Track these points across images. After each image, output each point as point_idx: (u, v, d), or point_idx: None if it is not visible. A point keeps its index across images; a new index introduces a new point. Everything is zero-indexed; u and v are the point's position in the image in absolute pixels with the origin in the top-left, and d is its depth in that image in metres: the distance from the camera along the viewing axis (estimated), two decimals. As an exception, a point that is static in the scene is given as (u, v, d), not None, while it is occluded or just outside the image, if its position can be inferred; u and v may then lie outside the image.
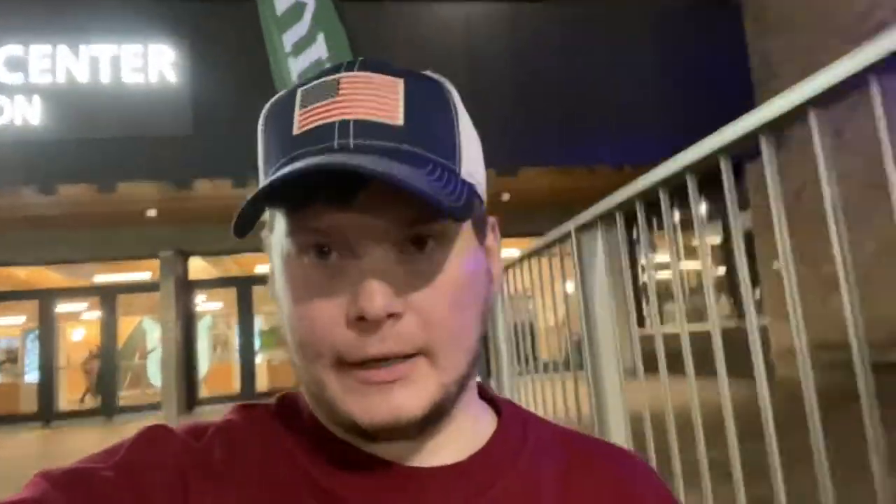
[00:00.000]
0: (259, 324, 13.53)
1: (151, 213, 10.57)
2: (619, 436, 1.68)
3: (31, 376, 13.04)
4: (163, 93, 8.05)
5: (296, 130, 0.46)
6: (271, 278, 0.52)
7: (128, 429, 7.52)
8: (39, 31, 7.76)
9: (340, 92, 0.46)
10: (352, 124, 0.44)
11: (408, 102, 0.46)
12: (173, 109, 7.95)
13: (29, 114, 7.65)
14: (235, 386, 13.02)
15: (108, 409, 12.15)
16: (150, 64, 7.99)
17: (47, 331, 12.26)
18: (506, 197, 11.28)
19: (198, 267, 12.80)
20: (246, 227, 0.43)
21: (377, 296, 0.43)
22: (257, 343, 13.29)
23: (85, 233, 11.08)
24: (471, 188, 0.48)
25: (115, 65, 7.91)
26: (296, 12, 3.46)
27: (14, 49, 7.74)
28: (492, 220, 0.55)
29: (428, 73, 0.51)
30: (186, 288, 12.29)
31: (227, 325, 15.47)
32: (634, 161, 9.55)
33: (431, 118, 0.47)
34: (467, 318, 0.48)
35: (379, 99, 0.46)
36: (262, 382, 13.06)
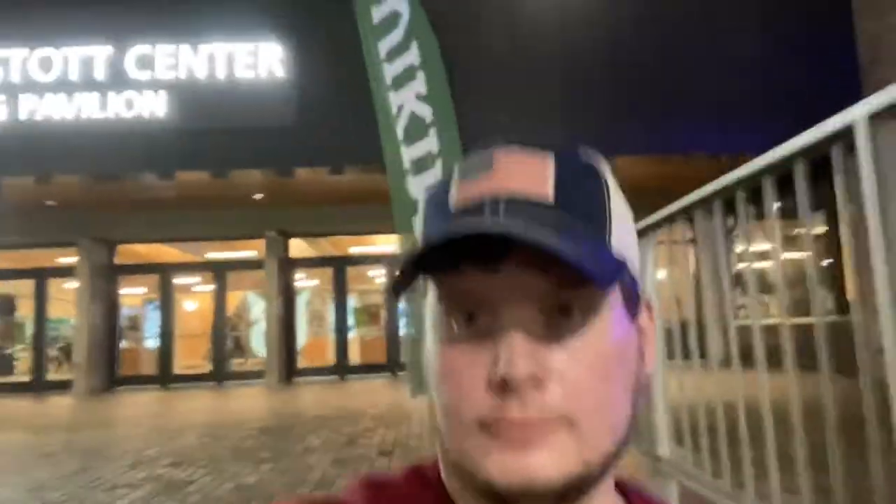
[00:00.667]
0: (352, 302, 14.27)
1: (258, 196, 11.41)
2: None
3: (151, 342, 14.45)
4: (271, 87, 8.73)
5: (451, 203, 0.48)
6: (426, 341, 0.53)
7: (234, 393, 8.38)
8: (164, 32, 8.60)
9: (494, 166, 0.48)
10: (502, 199, 0.46)
11: (558, 177, 0.48)
12: (280, 102, 8.60)
13: (155, 106, 8.53)
14: (330, 359, 13.85)
15: (218, 374, 13.28)
16: (261, 60, 8.68)
17: (166, 301, 13.53)
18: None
19: (297, 247, 13.66)
20: (401, 290, 0.46)
21: (520, 360, 0.43)
22: (350, 320, 14.02)
23: (198, 214, 12.10)
24: (620, 261, 0.48)
25: (230, 61, 8.65)
26: (391, 22, 3.78)
27: (142, 48, 8.64)
28: (646, 299, 0.54)
29: (580, 148, 0.52)
30: (288, 266, 13.16)
31: (322, 302, 16.42)
32: (733, 150, 9.31)
33: (582, 192, 0.48)
34: (614, 393, 0.47)
35: (530, 173, 0.47)
36: (354, 357, 13.80)
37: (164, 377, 13.18)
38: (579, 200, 0.48)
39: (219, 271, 13.62)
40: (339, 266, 13.67)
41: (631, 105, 9.27)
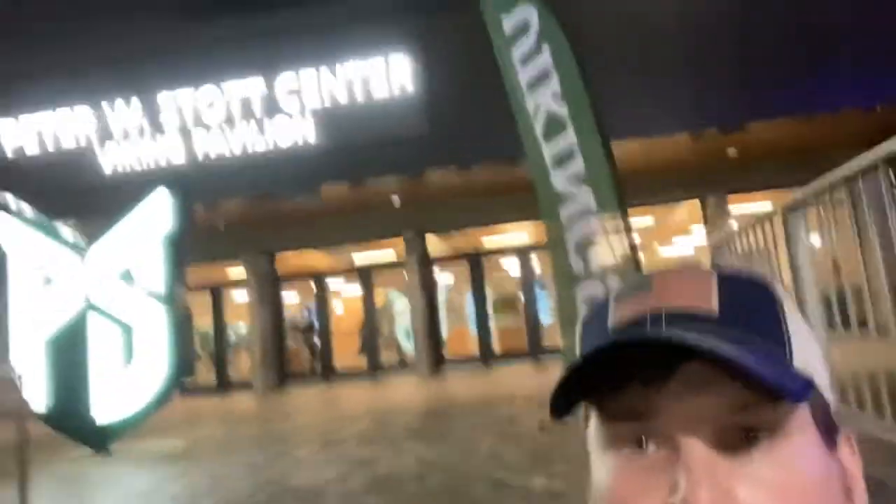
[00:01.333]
0: (490, 292, 14.75)
1: (395, 199, 12.18)
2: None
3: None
4: (402, 99, 9.36)
5: (611, 323, 0.46)
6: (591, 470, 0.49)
7: (389, 385, 9.11)
8: (307, 60, 9.52)
9: (653, 285, 0.46)
10: (664, 314, 0.44)
11: (723, 292, 0.45)
12: (411, 111, 9.21)
13: (305, 130, 9.46)
14: (473, 349, 14.42)
15: (373, 368, 14.31)
16: (392, 75, 9.34)
17: (322, 304, 14.78)
18: (732, 152, 10.87)
19: (433, 243, 14.34)
20: (562, 412, 0.45)
21: (702, 489, 0.39)
22: (490, 309, 14.50)
23: (342, 220, 13.08)
24: (807, 379, 0.42)
25: (365, 80, 9.40)
26: (521, 30, 4.09)
27: (289, 78, 9.60)
28: (846, 431, 0.47)
29: (747, 270, 0.49)
30: (426, 262, 13.87)
31: (460, 294, 17.08)
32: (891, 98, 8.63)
33: (751, 307, 0.45)
34: None
35: (692, 289, 0.45)
36: (496, 345, 14.27)
37: (327, 372, 14.42)
38: (750, 315, 0.44)
39: (364, 272, 14.64)
40: (476, 259, 14.18)
41: (765, 67, 8.85)
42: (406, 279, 13.76)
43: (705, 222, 12.57)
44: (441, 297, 15.06)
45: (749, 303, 0.45)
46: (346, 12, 9.36)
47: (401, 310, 17.74)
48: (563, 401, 0.45)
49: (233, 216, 11.95)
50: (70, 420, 6.53)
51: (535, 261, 14.42)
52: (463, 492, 3.84)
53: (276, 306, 14.43)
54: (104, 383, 6.48)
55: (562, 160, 3.87)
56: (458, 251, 15.08)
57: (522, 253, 14.42)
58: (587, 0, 8.95)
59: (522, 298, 14.48)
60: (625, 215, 3.79)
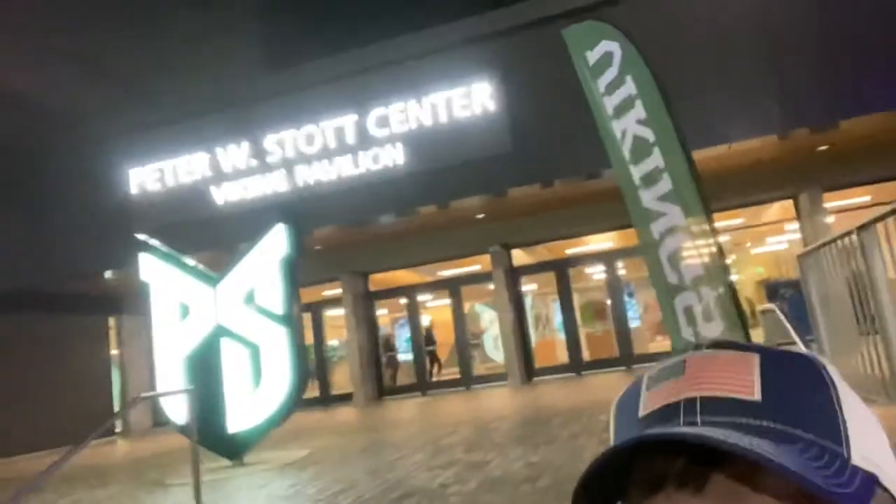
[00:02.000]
0: (577, 301, 14.91)
1: (480, 216, 12.63)
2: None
3: (404, 356, 16.53)
4: (484, 121, 9.84)
5: (641, 412, 0.43)
6: None
7: (483, 395, 9.51)
8: (395, 92, 10.19)
9: (686, 371, 0.43)
10: (698, 402, 0.40)
11: (765, 376, 0.40)
12: (493, 133, 9.66)
13: (395, 157, 10.11)
14: (562, 357, 14.61)
15: (466, 380, 14.76)
16: (474, 100, 9.86)
17: (413, 319, 15.43)
18: (824, 149, 10.64)
19: (517, 256, 14.68)
20: None
21: None
22: (578, 318, 14.66)
23: (430, 238, 13.66)
24: (868, 477, 0.37)
25: (449, 106, 9.96)
26: (605, 61, 4.43)
27: (379, 110, 10.31)
28: None
29: (793, 349, 0.46)
30: (513, 274, 14.23)
31: (545, 304, 17.30)
32: None
33: (799, 393, 0.40)
34: None
35: (729, 374, 0.41)
36: (585, 353, 14.40)
37: (422, 385, 15.01)
38: (798, 403, 0.40)
39: (453, 287, 15.17)
40: (561, 268, 14.41)
41: (856, 61, 8.68)
42: (493, 292, 14.16)
43: (799, 220, 12.28)
44: (529, 308, 15.36)
45: (797, 388, 0.41)
46: (429, 46, 9.98)
47: (487, 322, 18.22)
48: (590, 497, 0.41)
49: (329, 240, 12.78)
50: (208, 431, 7.31)
51: (621, 267, 14.47)
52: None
53: (370, 323, 15.19)
54: (236, 398, 7.24)
55: (650, 181, 4.17)
56: (544, 260, 15.35)
57: (608, 260, 14.51)
58: (667, 9, 9.13)
59: (610, 305, 14.55)
60: (712, 228, 4.04)
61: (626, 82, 4.29)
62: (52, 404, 13.39)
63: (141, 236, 7.87)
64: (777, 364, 0.42)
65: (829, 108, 8.99)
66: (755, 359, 0.43)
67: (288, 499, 5.34)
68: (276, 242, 7.32)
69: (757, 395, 0.40)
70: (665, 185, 4.11)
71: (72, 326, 14.63)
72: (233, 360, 7.30)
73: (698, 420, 0.40)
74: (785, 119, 9.19)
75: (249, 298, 7.34)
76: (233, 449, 7.27)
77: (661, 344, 15.08)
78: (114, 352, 16.47)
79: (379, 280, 16.02)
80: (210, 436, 7.22)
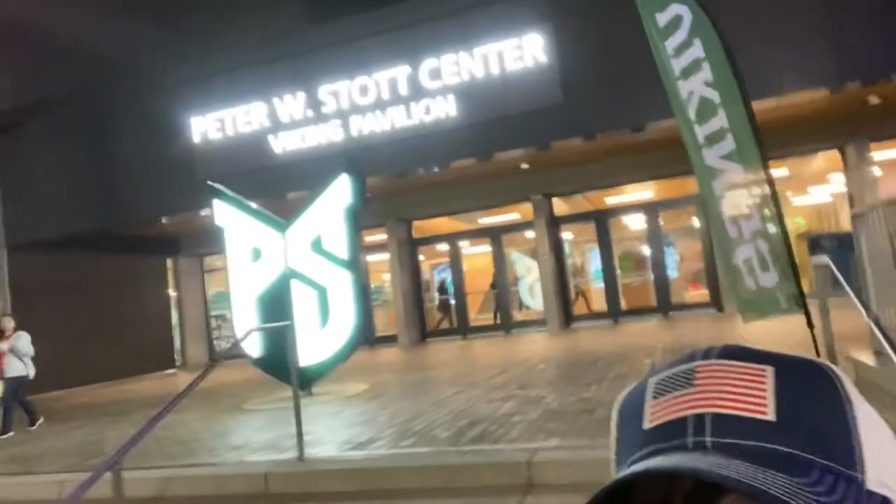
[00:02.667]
0: (615, 250, 15.19)
1: (524, 166, 12.87)
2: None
3: (434, 303, 17.12)
4: (536, 73, 9.99)
5: (646, 424, 0.42)
6: None
7: (523, 339, 10.06)
8: (447, 44, 10.38)
9: (696, 382, 0.41)
10: (708, 419, 0.39)
11: (780, 393, 0.39)
12: (546, 85, 9.83)
13: (447, 108, 10.38)
14: (601, 305, 15.03)
15: (506, 325, 15.32)
16: (525, 52, 9.99)
17: (455, 265, 15.92)
18: (874, 100, 10.56)
19: (557, 204, 14.93)
20: None
21: None
22: (616, 267, 14.98)
23: (474, 187, 13.94)
24: (882, 501, 0.37)
25: (500, 58, 10.12)
26: (674, 24, 4.62)
27: (431, 62, 10.52)
28: None
29: (806, 356, 0.43)
30: (553, 223, 14.53)
31: (582, 253, 17.62)
32: None
33: (814, 412, 0.39)
34: None
35: (742, 389, 0.40)
36: (623, 301, 14.78)
37: (463, 328, 15.62)
38: (812, 420, 0.39)
39: (494, 235, 15.56)
40: (601, 218, 14.65)
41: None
42: (534, 240, 14.52)
43: (845, 171, 12.27)
44: (567, 256, 15.71)
45: (812, 406, 0.40)
46: (481, -2, 10.08)
47: (523, 270, 18.65)
48: None
49: (374, 188, 13.18)
50: (279, 364, 7.97)
51: (659, 217, 14.64)
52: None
53: (413, 269, 15.73)
54: (305, 335, 7.85)
55: (713, 140, 4.44)
56: (584, 211, 15.58)
57: (647, 210, 14.67)
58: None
59: (648, 255, 14.81)
60: (770, 183, 4.32)
61: (694, 44, 4.50)
62: (119, 338, 14.36)
63: (214, 184, 8.38)
64: (792, 377, 0.41)
65: (884, 62, 8.94)
66: (769, 372, 0.41)
67: (364, 423, 5.95)
68: (341, 192, 7.77)
69: (771, 415, 0.39)
70: (728, 144, 4.38)
71: (136, 267, 15.51)
72: (302, 301, 7.88)
73: (707, 441, 0.39)
74: (839, 72, 9.17)
75: (317, 244, 7.86)
76: (303, 381, 7.93)
77: (698, 294, 15.37)
78: (171, 292, 17.40)
79: (420, 227, 16.47)
80: (282, 368, 7.88)
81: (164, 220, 13.35)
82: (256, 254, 8.15)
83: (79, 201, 13.05)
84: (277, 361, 7.69)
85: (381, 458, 4.47)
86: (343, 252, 7.78)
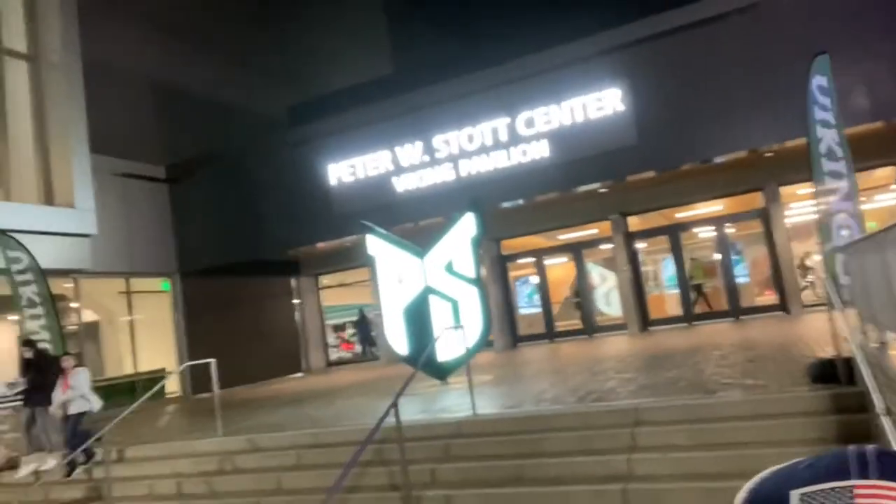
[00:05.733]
0: (688, 260, 16.88)
1: (603, 190, 14.87)
2: None
3: (528, 310, 19.16)
4: (614, 120, 12.10)
5: None
6: None
7: (607, 341, 12.29)
8: (540, 98, 12.63)
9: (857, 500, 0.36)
10: None
11: None
12: (622, 129, 11.92)
13: (540, 151, 12.61)
14: (675, 310, 16.75)
15: (589, 329, 17.27)
16: (605, 103, 12.13)
17: (541, 275, 18.02)
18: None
19: (632, 221, 16.78)
20: None
21: None
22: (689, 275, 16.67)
23: (560, 208, 15.96)
24: None
25: (584, 109, 12.29)
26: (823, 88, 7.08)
27: (527, 113, 12.81)
28: None
29: None
30: (630, 238, 16.42)
31: (655, 263, 19.32)
32: None
33: None
34: None
35: None
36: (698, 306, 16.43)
37: (550, 334, 17.66)
38: None
39: (576, 249, 17.57)
40: (673, 232, 16.42)
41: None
42: (613, 253, 16.43)
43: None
44: (644, 266, 17.51)
45: None
46: (567, 58, 12.29)
47: (598, 280, 20.49)
48: None
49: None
50: (421, 360, 10.32)
51: (728, 228, 16.23)
52: (703, 388, 6.68)
53: (504, 281, 17.93)
54: (442, 337, 10.17)
55: (832, 175, 6.90)
56: (657, 226, 17.34)
57: (715, 223, 16.31)
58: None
59: (718, 263, 16.42)
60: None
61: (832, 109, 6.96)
62: (259, 347, 17.22)
63: (367, 223, 10.87)
64: None
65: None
66: None
67: (504, 397, 8.18)
68: (468, 225, 10.08)
69: None
70: (842, 184, 6.78)
71: (270, 287, 18.45)
72: (439, 311, 10.22)
73: None
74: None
75: (449, 266, 10.18)
76: (441, 372, 10.25)
77: (766, 298, 16.83)
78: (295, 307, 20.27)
79: (508, 245, 18.64)
80: (425, 363, 10.22)
81: (302, 249, 16.15)
82: (400, 279, 10.55)
83: (232, 236, 16.01)
84: (421, 358, 10.03)
85: (531, 412, 6.68)
86: (470, 272, 10.08)
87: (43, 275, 10.59)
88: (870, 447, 0.43)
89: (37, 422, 8.92)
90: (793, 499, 0.43)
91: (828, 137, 7.03)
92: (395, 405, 5.78)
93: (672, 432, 5.61)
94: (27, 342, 9.70)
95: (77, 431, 8.41)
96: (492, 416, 6.83)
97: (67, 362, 8.89)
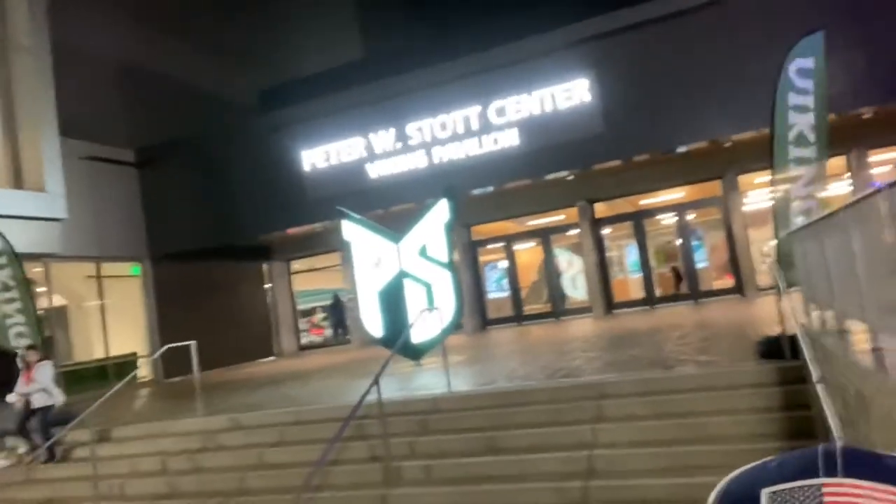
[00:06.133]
0: (650, 245, 17.54)
1: (570, 177, 15.34)
2: None
3: (497, 294, 19.63)
4: (582, 109, 12.54)
5: None
6: None
7: (573, 323, 12.81)
8: (512, 88, 12.98)
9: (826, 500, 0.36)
10: None
11: None
12: (590, 119, 12.37)
13: (509, 139, 12.99)
14: (637, 293, 17.41)
15: (556, 311, 17.83)
16: (574, 93, 12.55)
17: (510, 261, 18.49)
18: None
19: (598, 208, 17.33)
20: None
21: None
22: (651, 260, 17.34)
23: (526, 195, 16.43)
24: None
25: (553, 99, 12.69)
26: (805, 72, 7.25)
27: (498, 103, 13.15)
28: None
29: None
30: (596, 224, 16.96)
31: (619, 248, 19.98)
32: None
33: None
34: None
35: None
36: (658, 289, 17.13)
37: (518, 317, 18.18)
38: None
39: (544, 235, 18.07)
40: (637, 218, 17.03)
41: None
42: (579, 238, 16.97)
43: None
44: (609, 251, 18.12)
45: None
46: (537, 49, 12.65)
47: (565, 264, 21.09)
48: None
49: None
50: (395, 342, 10.67)
51: (689, 215, 16.92)
52: (662, 364, 7.19)
53: (475, 266, 18.35)
54: (416, 320, 10.52)
55: (800, 162, 7.13)
56: (621, 211, 17.92)
57: (678, 209, 16.96)
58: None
59: (679, 249, 17.11)
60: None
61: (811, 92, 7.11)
62: (231, 331, 17.33)
63: (343, 209, 11.11)
64: None
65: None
66: None
67: (477, 375, 8.59)
68: (442, 211, 10.41)
69: None
70: (811, 168, 7.04)
71: (241, 272, 18.53)
72: (413, 294, 10.56)
73: None
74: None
75: (423, 251, 10.52)
76: (415, 354, 10.62)
77: (724, 282, 17.59)
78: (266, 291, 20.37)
79: (478, 230, 19.03)
80: (396, 344, 10.57)
81: (274, 234, 16.27)
82: (377, 262, 10.85)
83: (203, 221, 16.03)
84: (395, 340, 10.37)
85: (504, 387, 7.11)
86: (444, 256, 10.44)
87: (18, 258, 10.57)
88: (839, 445, 0.44)
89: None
90: (763, 497, 0.43)
91: (801, 123, 7.09)
92: (376, 382, 6.11)
93: (633, 404, 6.08)
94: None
95: (48, 424, 8.35)
96: (467, 392, 7.23)
97: (32, 356, 8.79)
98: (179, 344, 9.65)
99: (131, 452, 7.88)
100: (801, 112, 7.14)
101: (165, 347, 10.30)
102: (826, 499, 0.40)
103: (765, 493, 0.43)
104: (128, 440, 8.23)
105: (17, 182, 12.72)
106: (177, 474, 7.19)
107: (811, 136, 7.08)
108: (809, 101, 7.13)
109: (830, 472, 0.42)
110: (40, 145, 12.65)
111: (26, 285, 10.77)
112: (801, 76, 7.19)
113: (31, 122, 12.66)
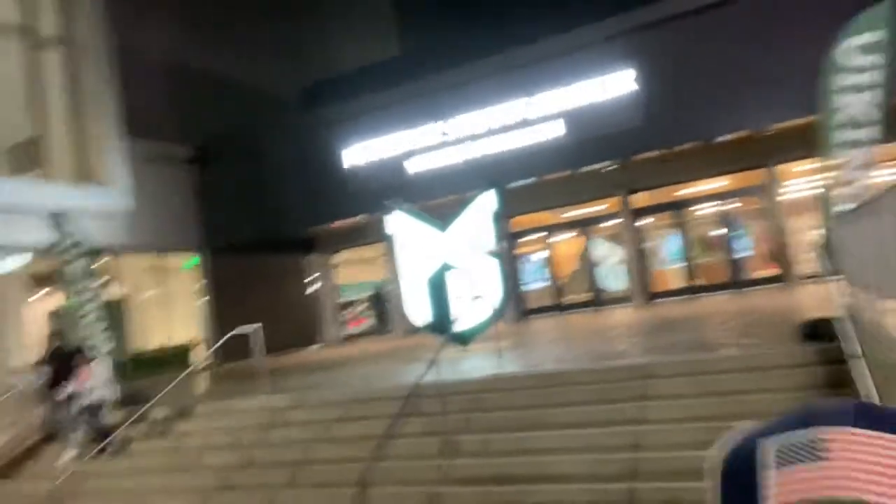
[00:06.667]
0: (692, 235, 17.55)
1: (610, 168, 15.52)
2: None
3: (536, 284, 19.87)
4: (624, 101, 12.75)
5: (769, 497, 0.37)
6: None
7: (613, 313, 13.11)
8: (554, 82, 13.26)
9: (832, 455, 0.37)
10: None
11: None
12: (631, 110, 12.59)
13: (551, 131, 13.28)
14: (677, 283, 17.46)
15: (596, 301, 18.01)
16: (615, 85, 12.78)
17: (550, 251, 18.73)
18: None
19: (640, 197, 17.43)
20: None
21: None
22: (692, 250, 17.37)
23: (569, 185, 16.61)
24: None
25: (596, 90, 12.96)
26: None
27: (543, 96, 13.44)
28: None
29: None
30: (635, 214, 17.08)
31: (659, 237, 20.00)
32: None
33: None
34: None
35: (887, 473, 0.35)
36: (699, 279, 17.16)
37: (558, 306, 18.43)
38: None
39: (584, 226, 18.26)
40: (677, 208, 17.08)
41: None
42: (620, 229, 17.12)
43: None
44: (649, 241, 18.19)
45: None
46: (579, 43, 12.91)
47: (603, 255, 21.20)
48: None
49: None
50: (443, 329, 11.10)
51: (732, 204, 16.86)
52: (705, 347, 7.45)
53: (514, 256, 18.65)
54: (463, 307, 10.93)
55: (843, 145, 6.63)
56: (661, 201, 17.96)
57: (719, 199, 16.93)
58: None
59: (721, 238, 17.09)
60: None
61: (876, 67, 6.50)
62: (281, 320, 18.00)
63: (391, 202, 11.57)
64: None
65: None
66: None
67: (525, 358, 8.97)
68: (488, 201, 10.78)
69: None
70: (859, 148, 6.60)
71: (287, 263, 19.25)
72: (459, 282, 10.96)
73: None
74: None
75: (470, 239, 10.91)
76: (463, 340, 11.03)
77: (768, 270, 17.53)
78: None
79: (517, 221, 19.29)
80: (444, 330, 10.99)
81: (320, 227, 16.90)
82: (424, 251, 11.28)
83: (255, 214, 16.73)
84: (441, 326, 10.81)
85: (552, 369, 7.47)
86: (491, 245, 10.81)
87: (90, 252, 11.34)
88: (842, 398, 0.55)
89: (60, 410, 9.15)
90: (764, 450, 0.42)
91: (855, 103, 6.50)
92: (434, 363, 6.54)
93: (678, 384, 6.39)
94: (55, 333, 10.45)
95: (100, 419, 8.80)
96: (516, 373, 7.62)
97: (82, 359, 9.18)
98: (245, 328, 10.25)
99: (215, 426, 8.53)
100: (855, 92, 6.59)
101: (231, 333, 10.93)
102: (831, 448, 0.40)
103: (763, 443, 0.43)
104: (210, 415, 8.90)
105: (84, 177, 13.55)
106: (253, 447, 7.79)
107: (874, 114, 6.46)
108: (869, 78, 6.51)
109: (835, 422, 0.41)
110: (106, 142, 13.45)
111: (97, 278, 11.55)
112: (863, 52, 6.59)
113: (96, 119, 13.46)
